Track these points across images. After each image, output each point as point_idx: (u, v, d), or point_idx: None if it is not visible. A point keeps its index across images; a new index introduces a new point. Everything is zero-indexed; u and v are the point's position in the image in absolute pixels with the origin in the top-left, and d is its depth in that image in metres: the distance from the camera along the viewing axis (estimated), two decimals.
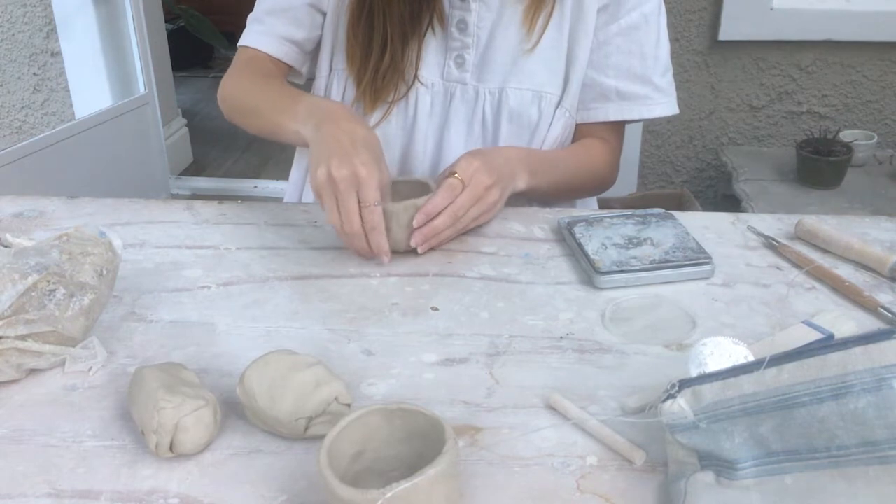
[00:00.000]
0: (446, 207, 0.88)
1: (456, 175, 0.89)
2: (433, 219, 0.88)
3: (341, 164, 0.83)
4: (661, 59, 1.08)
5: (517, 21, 1.04)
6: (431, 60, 1.06)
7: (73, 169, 2.39)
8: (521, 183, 0.98)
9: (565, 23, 1.04)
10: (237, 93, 1.10)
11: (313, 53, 1.14)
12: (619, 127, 1.14)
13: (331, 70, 1.12)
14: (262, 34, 1.10)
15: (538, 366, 0.72)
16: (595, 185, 1.14)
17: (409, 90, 1.06)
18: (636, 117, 1.09)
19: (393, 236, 0.88)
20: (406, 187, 0.94)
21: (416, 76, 1.06)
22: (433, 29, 1.05)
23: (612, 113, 1.09)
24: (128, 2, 2.65)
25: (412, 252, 0.91)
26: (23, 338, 0.69)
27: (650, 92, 1.08)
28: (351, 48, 1.06)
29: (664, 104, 1.09)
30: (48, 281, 0.70)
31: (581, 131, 1.11)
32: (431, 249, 0.91)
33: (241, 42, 1.13)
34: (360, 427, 0.57)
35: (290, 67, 1.13)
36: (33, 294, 0.69)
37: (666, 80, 1.09)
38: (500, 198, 0.93)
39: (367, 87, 1.05)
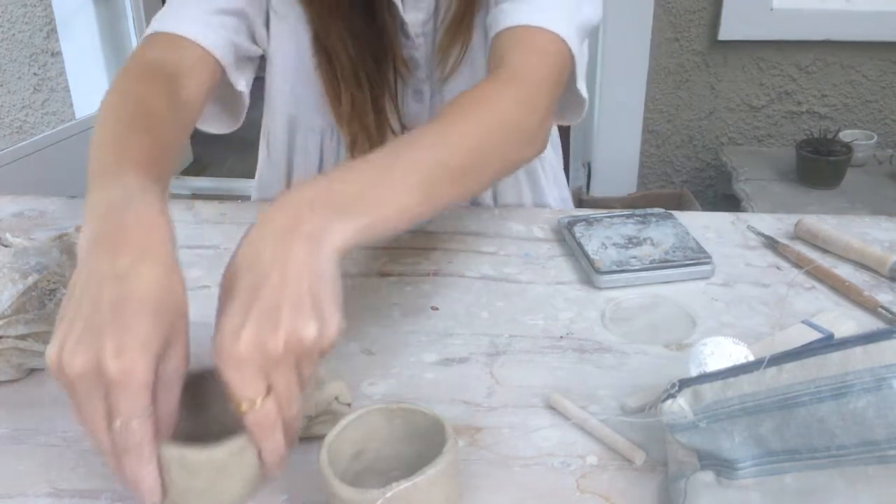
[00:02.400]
0: (271, 434, 0.52)
1: (242, 406, 0.50)
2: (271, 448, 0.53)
3: (79, 344, 0.49)
4: None
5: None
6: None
7: (73, 169, 2.38)
8: (337, 241, 0.55)
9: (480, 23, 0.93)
10: (107, 114, 0.71)
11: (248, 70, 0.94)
12: (506, 45, 0.79)
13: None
14: (195, 21, 0.83)
15: (538, 365, 0.72)
16: (506, 152, 0.73)
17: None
18: (510, 24, 0.80)
19: (210, 489, 0.53)
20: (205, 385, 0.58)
21: (402, 126, 0.98)
22: (402, 76, 0.95)
23: (492, 30, 0.82)
24: (128, 2, 2.65)
25: (411, 254, 0.91)
26: (23, 337, 0.69)
27: (521, 5, 0.81)
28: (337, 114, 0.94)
29: (542, 16, 0.79)
30: (48, 280, 0.70)
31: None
32: None
33: (157, 26, 0.83)
34: (360, 427, 0.57)
35: (216, 77, 0.85)
36: (33, 294, 0.69)
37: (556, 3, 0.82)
38: (317, 330, 0.51)
39: (363, 147, 0.95)
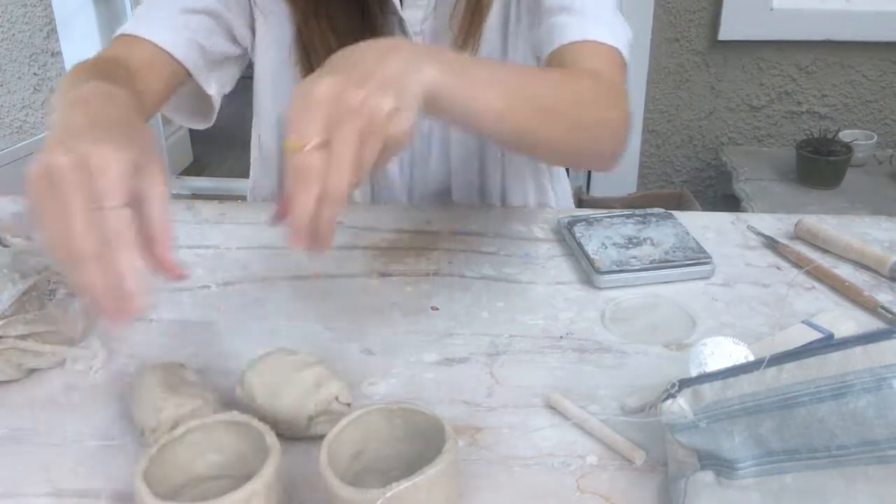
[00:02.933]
0: (306, 188, 0.54)
1: (291, 145, 0.54)
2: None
3: (63, 148, 0.52)
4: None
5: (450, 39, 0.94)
6: None
7: None
8: (428, 77, 0.57)
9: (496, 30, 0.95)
10: (58, 98, 0.67)
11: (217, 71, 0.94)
12: (594, 52, 0.84)
13: None
14: (157, 22, 0.85)
15: (538, 365, 0.72)
16: (591, 120, 0.75)
17: None
18: (573, 38, 0.84)
19: None
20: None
21: None
22: None
23: (547, 44, 0.86)
24: (128, 2, 2.65)
25: (411, 254, 0.91)
26: (23, 337, 0.69)
27: (576, 19, 0.85)
28: None
29: (601, 30, 0.84)
30: (48, 280, 0.70)
31: None
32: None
33: (123, 28, 0.86)
34: (360, 427, 0.57)
35: (179, 76, 0.87)
36: (33, 294, 0.69)
37: (603, 12, 0.87)
38: (394, 107, 0.54)
39: None
